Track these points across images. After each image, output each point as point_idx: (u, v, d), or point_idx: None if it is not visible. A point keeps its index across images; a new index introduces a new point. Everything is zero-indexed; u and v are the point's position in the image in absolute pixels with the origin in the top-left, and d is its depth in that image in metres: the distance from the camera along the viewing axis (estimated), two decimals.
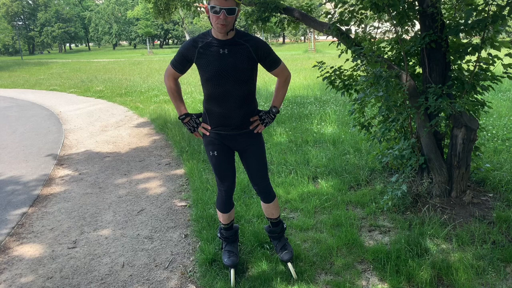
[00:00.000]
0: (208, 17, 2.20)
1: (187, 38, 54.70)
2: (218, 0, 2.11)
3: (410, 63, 3.69)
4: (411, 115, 3.45)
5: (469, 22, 3.01)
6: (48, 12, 60.46)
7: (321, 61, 3.86)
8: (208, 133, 2.45)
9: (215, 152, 2.46)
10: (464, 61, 3.37)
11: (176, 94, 2.50)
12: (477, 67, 3.23)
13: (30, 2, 61.07)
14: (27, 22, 62.09)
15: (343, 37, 3.62)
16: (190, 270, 2.79)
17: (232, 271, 2.60)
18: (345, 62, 3.77)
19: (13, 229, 3.55)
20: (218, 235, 2.82)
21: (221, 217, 2.69)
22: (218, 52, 2.25)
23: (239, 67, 2.26)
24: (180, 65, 2.38)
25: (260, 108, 6.74)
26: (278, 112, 2.54)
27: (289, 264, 2.62)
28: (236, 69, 2.26)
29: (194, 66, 2.40)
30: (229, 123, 2.39)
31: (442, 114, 3.35)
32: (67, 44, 73.73)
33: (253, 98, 2.44)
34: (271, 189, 2.64)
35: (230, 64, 2.25)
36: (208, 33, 2.30)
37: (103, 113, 9.11)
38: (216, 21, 2.15)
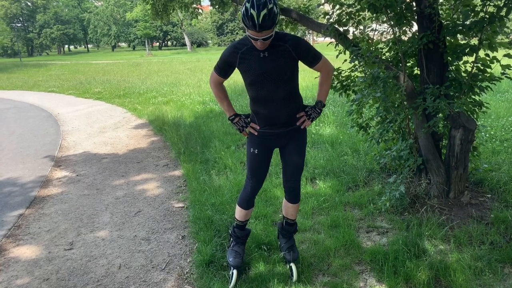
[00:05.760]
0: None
1: (186, 39, 54.81)
2: (253, 33, 2.15)
3: (408, 64, 3.68)
4: (409, 116, 3.44)
5: (467, 23, 3.01)
6: (47, 14, 60.38)
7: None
8: (256, 133, 2.50)
9: (256, 150, 2.52)
10: (461, 62, 3.37)
11: (223, 97, 2.56)
12: (474, 68, 3.23)
13: (29, 4, 61.00)
14: (26, 24, 61.99)
15: (341, 38, 3.62)
16: (187, 272, 2.78)
17: (235, 272, 2.60)
18: (343, 63, 3.77)
19: (9, 230, 3.54)
20: (230, 231, 2.84)
21: (239, 213, 2.71)
22: (258, 56, 2.28)
23: (280, 68, 2.30)
24: (223, 71, 2.44)
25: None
26: (324, 106, 2.56)
27: (293, 265, 2.62)
28: (278, 71, 2.29)
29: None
30: (276, 122, 2.44)
31: (440, 115, 3.34)
32: (66, 46, 73.70)
33: (297, 95, 2.48)
34: (300, 190, 2.69)
35: (271, 67, 2.29)
36: (247, 38, 2.32)
37: (101, 115, 9.09)
38: (254, 44, 2.22)
